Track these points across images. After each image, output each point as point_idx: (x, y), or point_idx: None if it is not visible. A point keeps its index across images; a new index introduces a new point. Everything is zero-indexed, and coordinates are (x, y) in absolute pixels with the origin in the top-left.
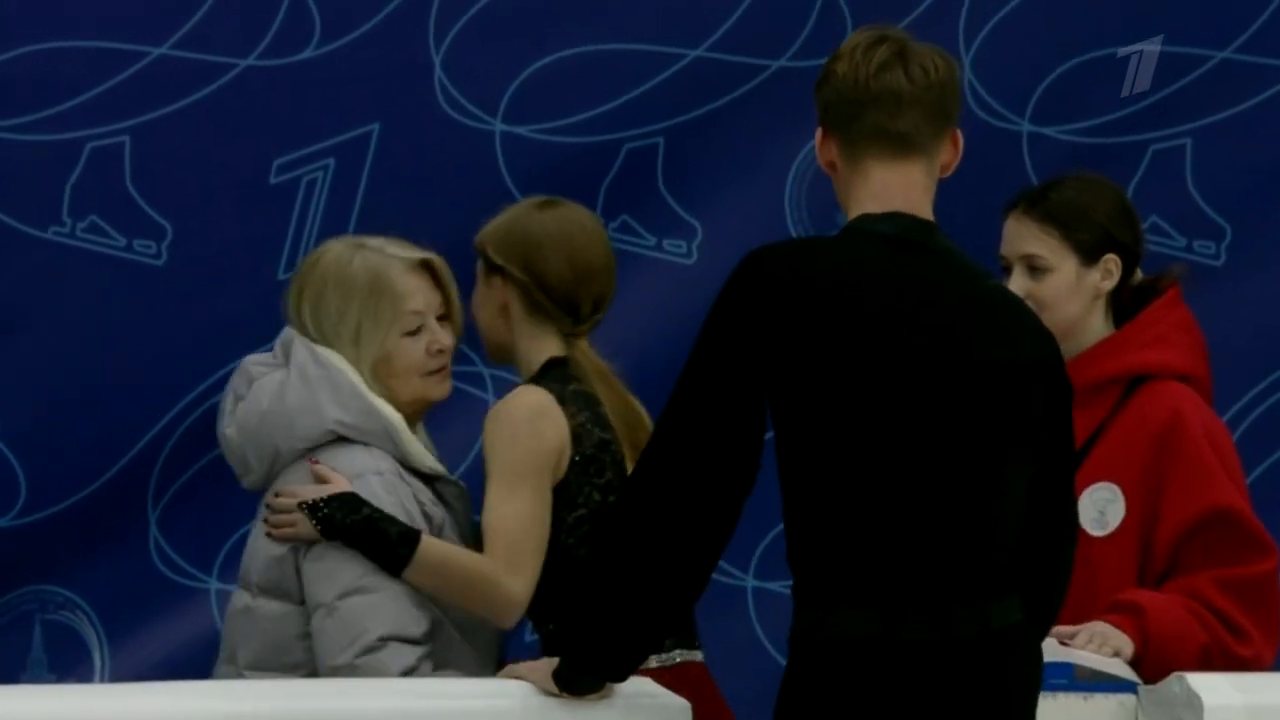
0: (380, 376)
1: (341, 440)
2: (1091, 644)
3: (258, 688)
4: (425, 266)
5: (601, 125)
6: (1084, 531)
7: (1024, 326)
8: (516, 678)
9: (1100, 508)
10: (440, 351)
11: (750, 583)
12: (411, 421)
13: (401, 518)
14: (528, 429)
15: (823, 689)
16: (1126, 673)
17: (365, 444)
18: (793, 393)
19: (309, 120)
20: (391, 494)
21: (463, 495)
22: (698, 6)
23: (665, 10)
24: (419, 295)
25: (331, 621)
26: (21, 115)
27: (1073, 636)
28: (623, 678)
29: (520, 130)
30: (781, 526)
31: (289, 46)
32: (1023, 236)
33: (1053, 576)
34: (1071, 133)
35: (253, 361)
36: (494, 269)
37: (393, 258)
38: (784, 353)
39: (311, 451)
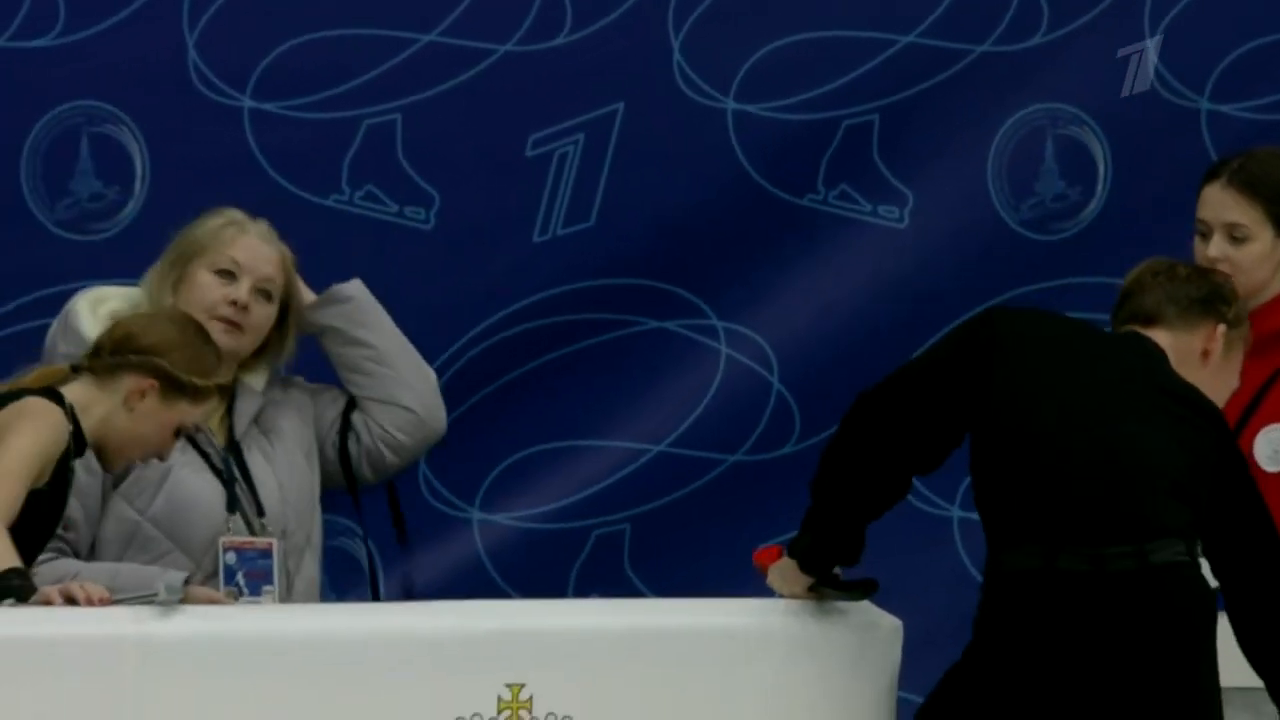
0: None
1: None
2: None
3: (531, 606)
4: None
5: (823, 104)
6: (1260, 468)
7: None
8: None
9: (1275, 446)
10: None
11: (956, 513)
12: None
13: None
14: None
15: (998, 619)
16: None
17: None
18: (987, 399)
19: (561, 100)
20: None
21: None
22: None
23: (881, 1)
24: None
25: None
26: (306, 96)
27: None
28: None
29: (750, 108)
30: None
31: (543, 34)
32: (1226, 205)
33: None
34: (1249, 110)
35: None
36: None
37: None
38: (987, 385)
39: None
